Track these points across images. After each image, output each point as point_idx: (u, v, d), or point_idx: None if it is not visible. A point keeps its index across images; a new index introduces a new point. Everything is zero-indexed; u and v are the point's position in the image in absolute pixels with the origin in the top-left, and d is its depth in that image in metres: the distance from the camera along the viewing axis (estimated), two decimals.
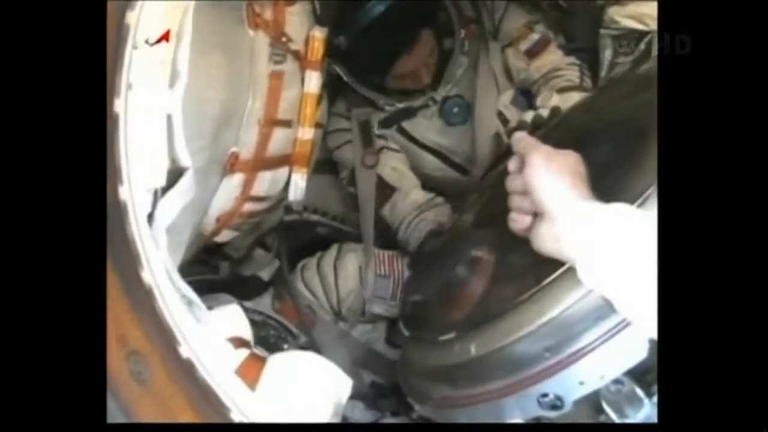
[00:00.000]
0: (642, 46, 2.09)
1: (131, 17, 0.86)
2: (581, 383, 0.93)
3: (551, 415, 0.95)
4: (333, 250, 2.09)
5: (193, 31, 1.02)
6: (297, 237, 2.23)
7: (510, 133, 1.86)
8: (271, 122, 1.44)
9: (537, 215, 0.99)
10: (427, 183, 2.23)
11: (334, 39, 1.86)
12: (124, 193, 0.83)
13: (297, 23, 1.53)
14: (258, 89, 1.41)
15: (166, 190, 1.00)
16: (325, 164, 2.28)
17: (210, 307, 1.05)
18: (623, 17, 2.09)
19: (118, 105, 0.85)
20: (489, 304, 1.06)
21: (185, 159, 1.03)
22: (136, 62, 0.89)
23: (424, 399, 1.16)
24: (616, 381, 0.95)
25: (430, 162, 2.23)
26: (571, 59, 2.18)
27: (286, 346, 1.89)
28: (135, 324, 0.77)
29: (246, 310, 1.89)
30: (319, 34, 1.58)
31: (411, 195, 2.12)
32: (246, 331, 1.13)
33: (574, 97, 1.85)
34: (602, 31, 2.15)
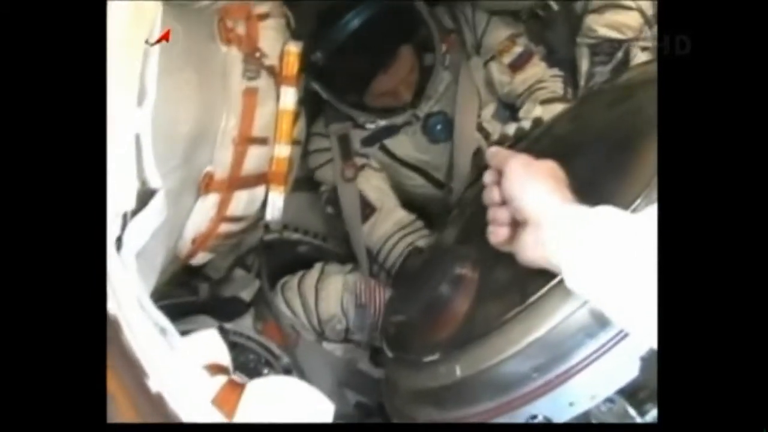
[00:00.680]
0: (619, 55, 2.09)
1: None
2: (571, 404, 0.91)
3: None
4: (315, 271, 2.05)
5: (162, 47, 0.99)
6: (278, 256, 2.19)
7: (491, 146, 1.84)
8: (246, 140, 1.41)
9: (518, 225, 0.98)
10: (410, 201, 2.20)
11: (310, 55, 1.83)
12: None
13: (271, 38, 1.51)
14: (232, 106, 1.38)
15: (135, 212, 0.97)
16: (305, 182, 2.25)
17: (186, 332, 1.02)
18: (600, 26, 2.10)
19: None
20: (474, 324, 1.04)
21: (155, 180, 1.00)
22: None
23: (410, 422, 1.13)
24: (608, 399, 0.93)
25: (413, 180, 2.21)
26: (555, 71, 2.18)
27: (266, 371, 1.86)
28: None
29: (226, 332, 1.89)
30: (294, 48, 1.55)
31: (393, 215, 2.09)
32: (224, 357, 1.09)
33: (558, 109, 1.84)
34: (579, 39, 2.15)
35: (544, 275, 0.93)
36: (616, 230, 0.82)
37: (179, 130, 1.19)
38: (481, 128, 2.07)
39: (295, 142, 1.68)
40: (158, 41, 0.95)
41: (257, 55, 1.44)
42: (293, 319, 2.00)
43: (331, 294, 1.98)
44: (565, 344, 0.90)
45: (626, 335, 0.86)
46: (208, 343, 1.06)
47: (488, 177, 1.03)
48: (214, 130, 1.35)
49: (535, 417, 0.93)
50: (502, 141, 1.73)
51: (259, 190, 1.56)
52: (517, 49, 2.17)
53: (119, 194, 0.90)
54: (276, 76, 1.51)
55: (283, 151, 1.55)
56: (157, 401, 0.78)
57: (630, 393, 0.93)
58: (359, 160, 2.14)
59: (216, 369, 1.02)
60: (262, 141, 1.48)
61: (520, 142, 1.60)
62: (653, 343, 0.74)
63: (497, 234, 1.02)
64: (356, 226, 2.06)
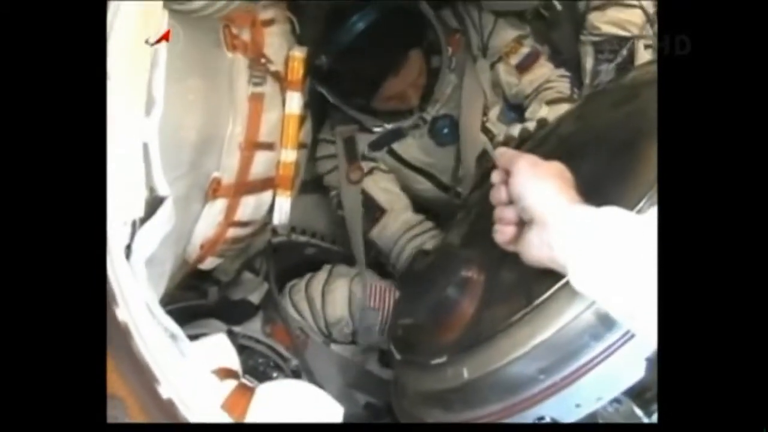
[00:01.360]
0: (624, 52, 2.09)
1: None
2: (578, 405, 0.91)
3: None
4: (323, 273, 2.06)
5: (169, 55, 0.99)
6: (286, 259, 2.20)
7: (497, 147, 1.84)
8: (253, 145, 1.42)
9: (524, 224, 0.98)
10: (418, 204, 2.20)
11: (315, 59, 1.83)
12: None
13: (276, 44, 1.52)
14: (238, 112, 1.39)
15: (144, 220, 0.97)
16: (312, 184, 2.25)
17: (196, 336, 1.03)
18: (604, 23, 2.10)
19: None
20: (480, 326, 1.04)
21: (163, 188, 1.01)
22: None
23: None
24: (614, 400, 0.93)
25: (420, 183, 2.20)
26: (562, 71, 2.18)
27: (275, 375, 1.86)
28: (111, 367, 0.74)
29: (236, 335, 1.90)
30: (298, 53, 1.56)
31: (402, 216, 2.09)
32: (233, 361, 1.10)
33: (564, 109, 1.84)
34: (582, 37, 2.16)
35: (550, 277, 0.93)
36: (622, 231, 0.82)
37: (186, 138, 1.20)
38: (486, 130, 2.07)
39: (301, 146, 1.69)
40: (158, 41, 0.95)
41: (263, 61, 1.45)
42: (301, 321, 2.01)
43: (338, 298, 1.99)
44: (571, 346, 0.90)
45: (632, 336, 0.87)
46: (218, 348, 1.07)
47: (496, 176, 1.03)
48: (221, 136, 1.36)
49: (542, 418, 0.93)
50: (506, 142, 1.72)
51: (266, 195, 1.57)
52: (524, 50, 2.18)
53: (128, 202, 0.91)
54: (281, 81, 1.52)
55: (289, 155, 1.56)
56: (168, 407, 0.79)
57: (637, 393, 0.94)
58: (367, 165, 2.13)
59: (225, 373, 1.03)
60: (269, 146, 1.49)
61: (525, 143, 1.60)
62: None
63: (503, 233, 1.03)
64: (357, 230, 2.07)
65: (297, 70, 1.55)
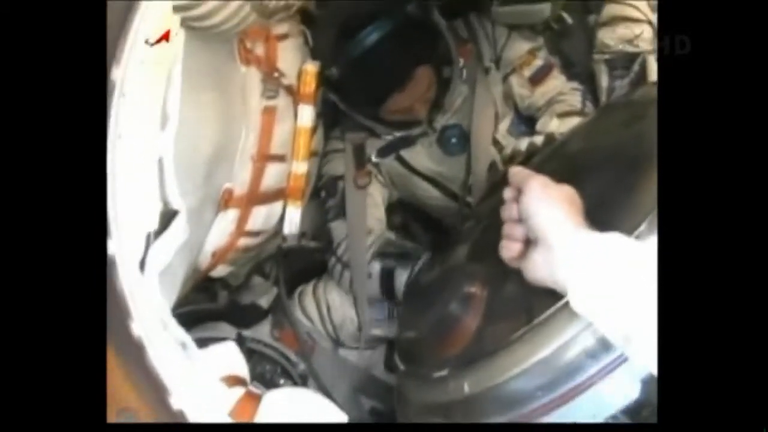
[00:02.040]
0: (636, 67, 2.10)
1: (117, 74, 0.85)
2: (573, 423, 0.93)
3: None
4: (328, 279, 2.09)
5: (184, 71, 1.02)
6: (295, 264, 2.21)
7: (505, 160, 1.86)
8: (265, 157, 1.45)
9: (530, 243, 1.01)
10: (424, 212, 2.22)
11: (326, 70, 1.82)
12: (112, 246, 0.82)
13: (289, 58, 1.54)
14: (251, 125, 1.41)
15: (158, 233, 1.00)
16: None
17: (205, 340, 1.04)
18: (614, 40, 2.10)
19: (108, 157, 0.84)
20: (482, 342, 1.06)
21: (177, 202, 1.03)
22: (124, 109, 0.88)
23: None
24: (611, 417, 0.95)
25: (427, 191, 2.20)
26: (575, 84, 2.19)
27: (282, 381, 1.89)
28: (124, 379, 0.77)
29: (244, 339, 1.93)
30: (311, 67, 1.58)
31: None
32: (241, 368, 1.12)
33: (575, 122, 1.84)
34: (595, 56, 2.16)
35: (551, 297, 0.95)
36: (621, 258, 0.85)
37: (200, 151, 1.23)
38: (495, 142, 2.08)
39: (312, 154, 1.71)
40: (158, 41, 0.96)
41: (276, 75, 1.47)
42: (310, 326, 2.04)
43: (336, 299, 2.02)
44: (569, 365, 0.92)
45: (627, 358, 0.88)
46: (226, 355, 1.10)
47: (508, 193, 1.06)
48: (234, 148, 1.38)
49: None
50: (514, 155, 1.74)
51: (277, 205, 1.59)
52: (538, 63, 2.18)
53: (143, 216, 0.93)
54: (294, 94, 1.54)
55: (300, 167, 1.58)
56: (179, 418, 0.81)
57: (633, 411, 0.95)
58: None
59: (233, 380, 1.06)
60: (280, 158, 1.51)
61: (532, 158, 1.62)
62: (653, 368, 0.77)
63: (510, 249, 1.04)
64: (360, 235, 2.04)
65: (309, 84, 1.57)
